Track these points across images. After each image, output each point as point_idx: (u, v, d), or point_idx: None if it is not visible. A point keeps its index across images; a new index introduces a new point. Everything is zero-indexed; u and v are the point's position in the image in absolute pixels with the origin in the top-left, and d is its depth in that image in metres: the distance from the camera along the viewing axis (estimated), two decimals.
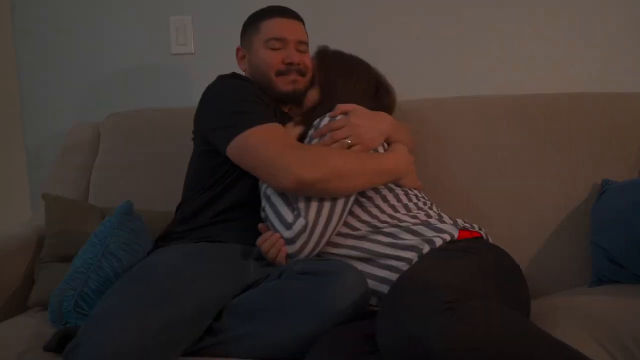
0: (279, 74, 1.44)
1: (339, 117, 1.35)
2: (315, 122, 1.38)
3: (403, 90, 1.85)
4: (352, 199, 1.30)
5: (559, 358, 0.95)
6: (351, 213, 1.32)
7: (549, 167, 1.58)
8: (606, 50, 1.85)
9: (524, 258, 1.51)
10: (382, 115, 1.42)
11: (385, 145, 1.42)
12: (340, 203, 1.28)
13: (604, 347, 1.10)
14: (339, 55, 1.52)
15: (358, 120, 1.34)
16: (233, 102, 1.35)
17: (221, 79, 1.45)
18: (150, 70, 1.98)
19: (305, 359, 1.08)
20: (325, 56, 1.50)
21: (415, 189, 1.40)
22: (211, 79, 1.93)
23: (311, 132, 1.37)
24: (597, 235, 1.42)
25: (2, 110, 1.98)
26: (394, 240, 1.26)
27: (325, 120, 1.36)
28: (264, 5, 1.91)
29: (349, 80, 1.46)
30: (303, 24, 1.53)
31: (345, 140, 1.31)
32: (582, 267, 1.49)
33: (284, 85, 1.44)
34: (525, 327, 0.98)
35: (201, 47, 1.96)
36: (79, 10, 1.98)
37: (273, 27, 1.46)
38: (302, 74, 1.46)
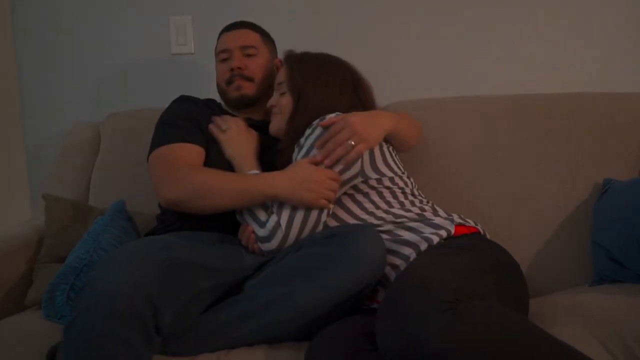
0: (228, 83, 1.54)
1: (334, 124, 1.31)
2: (307, 132, 1.34)
3: (403, 90, 1.86)
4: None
5: (559, 358, 0.95)
6: (346, 209, 1.32)
7: (549, 167, 1.58)
8: (606, 50, 1.85)
9: (524, 258, 1.51)
10: (380, 112, 1.41)
11: (384, 145, 1.37)
12: None
13: (605, 346, 1.10)
14: (304, 57, 1.46)
15: (355, 118, 1.31)
16: (159, 124, 1.48)
17: (171, 102, 1.55)
18: (150, 70, 1.98)
19: (305, 356, 1.08)
20: (290, 60, 1.46)
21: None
22: (211, 78, 1.93)
23: (302, 140, 1.33)
24: (598, 235, 1.42)
25: (2, 110, 1.98)
26: (390, 237, 1.26)
27: (318, 132, 1.31)
28: (262, 5, 1.92)
29: (318, 80, 1.41)
30: (253, 29, 1.60)
31: (349, 142, 1.29)
32: (583, 267, 1.49)
33: (232, 92, 1.54)
34: (525, 327, 0.98)
35: (201, 47, 1.96)
36: (79, 10, 1.98)
37: (221, 41, 1.60)
38: (248, 78, 1.52)
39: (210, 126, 1.46)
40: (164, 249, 1.13)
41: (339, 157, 1.28)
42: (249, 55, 1.54)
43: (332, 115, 1.34)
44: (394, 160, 1.38)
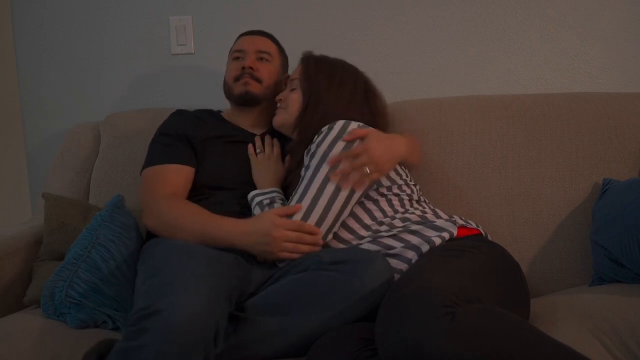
0: (236, 79, 1.57)
1: (356, 143, 1.31)
2: (317, 139, 1.33)
3: (403, 90, 1.86)
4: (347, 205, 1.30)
5: None
6: (356, 218, 1.32)
7: (548, 167, 1.58)
8: (606, 50, 1.84)
9: (524, 258, 1.51)
10: (397, 138, 1.41)
11: (398, 167, 1.38)
12: (338, 202, 1.28)
13: (605, 346, 1.10)
14: (322, 60, 1.49)
15: (375, 144, 1.31)
16: (152, 141, 1.55)
17: (168, 117, 1.60)
18: (150, 70, 1.98)
19: None
20: (308, 61, 1.49)
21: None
22: (211, 79, 1.93)
23: (313, 147, 1.33)
24: (598, 235, 1.42)
25: (2, 110, 1.98)
26: (395, 241, 1.26)
27: (326, 139, 1.32)
28: (263, 5, 1.92)
29: (332, 83, 1.44)
30: (272, 40, 1.65)
31: (364, 169, 1.29)
32: (582, 267, 1.49)
33: (238, 87, 1.56)
34: (525, 332, 0.98)
35: (201, 47, 1.96)
36: (79, 10, 1.98)
37: (238, 43, 1.64)
38: (257, 79, 1.55)
39: (250, 145, 1.52)
40: (210, 267, 1.17)
41: (353, 184, 1.29)
42: (262, 59, 1.58)
43: (355, 125, 1.33)
44: (402, 168, 1.39)
